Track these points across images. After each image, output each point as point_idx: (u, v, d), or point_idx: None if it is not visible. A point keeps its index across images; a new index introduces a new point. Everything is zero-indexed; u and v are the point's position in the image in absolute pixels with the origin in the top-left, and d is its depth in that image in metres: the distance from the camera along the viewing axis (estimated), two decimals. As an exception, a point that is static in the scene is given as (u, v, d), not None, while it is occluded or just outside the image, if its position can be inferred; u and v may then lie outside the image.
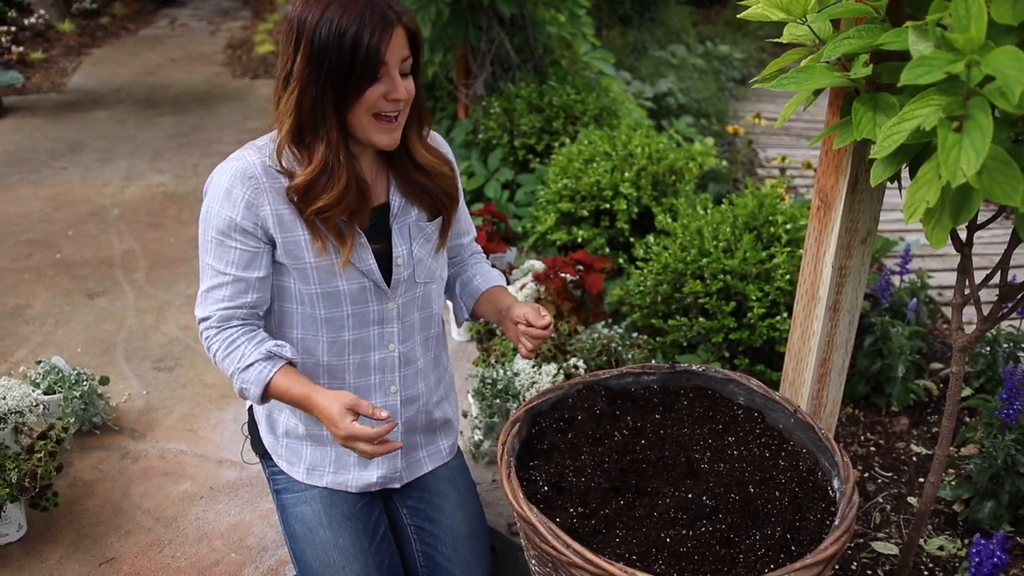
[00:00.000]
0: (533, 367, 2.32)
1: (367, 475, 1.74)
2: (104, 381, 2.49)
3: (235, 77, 6.98)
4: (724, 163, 3.99)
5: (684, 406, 1.75)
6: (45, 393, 2.36)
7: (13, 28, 7.91)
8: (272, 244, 1.53)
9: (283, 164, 1.50)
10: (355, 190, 1.51)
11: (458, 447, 1.92)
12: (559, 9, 3.98)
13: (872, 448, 2.36)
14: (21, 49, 7.45)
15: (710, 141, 4.26)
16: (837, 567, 1.99)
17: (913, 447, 2.37)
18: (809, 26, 1.44)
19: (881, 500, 2.18)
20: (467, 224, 1.88)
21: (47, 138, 5.32)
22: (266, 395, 1.52)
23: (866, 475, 2.26)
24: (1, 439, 2.14)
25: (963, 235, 1.55)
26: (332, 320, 1.59)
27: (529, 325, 1.66)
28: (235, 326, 1.54)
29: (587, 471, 1.53)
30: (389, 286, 1.62)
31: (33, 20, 8.27)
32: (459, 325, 1.91)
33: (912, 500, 2.18)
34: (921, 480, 2.24)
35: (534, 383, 2.27)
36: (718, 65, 6.61)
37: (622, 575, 1.24)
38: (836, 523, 1.37)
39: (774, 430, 1.68)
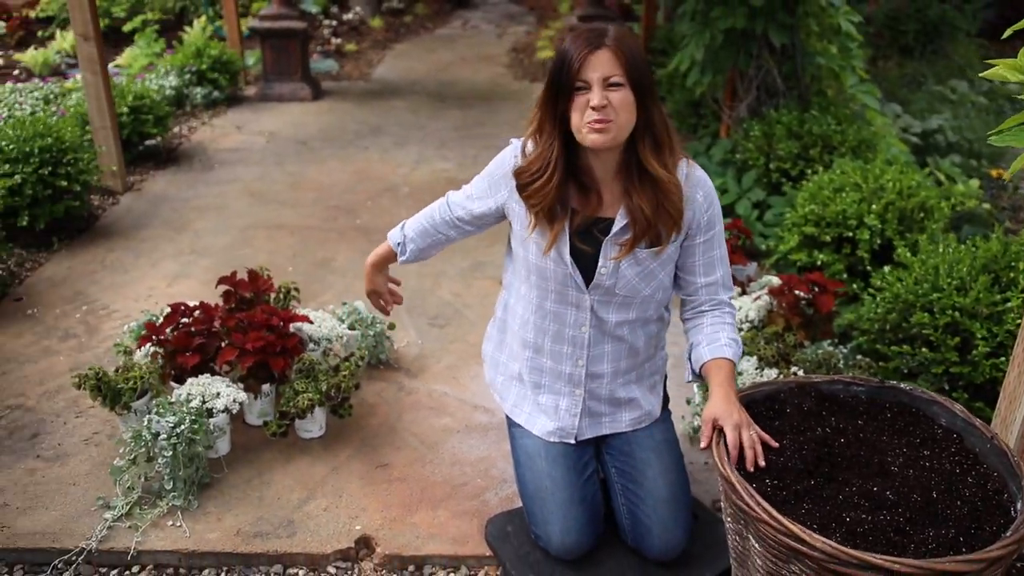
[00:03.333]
0: (756, 368, 2.56)
1: (550, 424, 2.12)
2: (391, 327, 3.03)
3: (516, 79, 7.60)
4: (985, 206, 3.95)
5: (887, 418, 1.93)
6: (348, 329, 2.92)
7: (334, 22, 9.06)
8: (502, 213, 2.05)
9: (525, 152, 1.95)
10: (561, 180, 1.88)
11: (668, 426, 2.20)
12: (831, 41, 4.11)
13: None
14: (339, 41, 8.54)
15: (975, 183, 4.21)
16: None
17: None
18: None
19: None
20: (706, 266, 2.00)
21: (354, 120, 6.16)
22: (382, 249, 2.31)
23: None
24: (313, 357, 2.71)
25: None
26: (540, 287, 2.01)
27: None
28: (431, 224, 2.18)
29: (786, 453, 1.77)
30: (588, 286, 1.96)
31: (350, 16, 9.41)
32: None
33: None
34: None
35: (770, 379, 2.50)
36: (1003, 104, 6.32)
37: (801, 534, 1.49)
38: (1008, 533, 1.53)
39: (969, 452, 1.83)
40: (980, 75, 1.76)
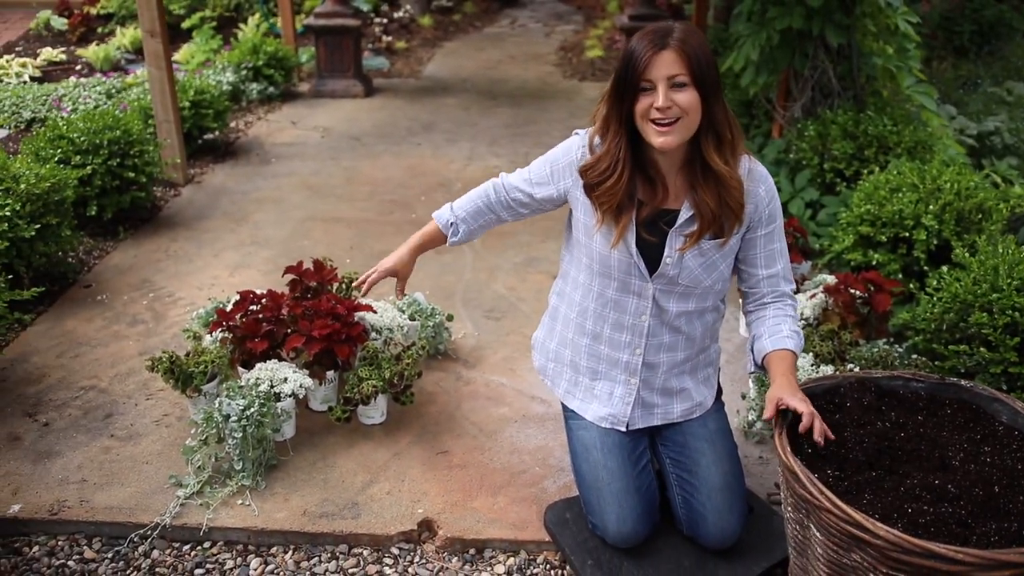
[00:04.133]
0: (812, 365, 2.58)
1: (602, 410, 2.17)
2: (450, 318, 3.10)
3: (565, 77, 7.64)
4: (1042, 209, 3.91)
5: (947, 414, 1.95)
6: (409, 319, 2.99)
7: (384, 20, 9.18)
8: (564, 200, 2.10)
9: (592, 148, 1.99)
10: (629, 177, 1.92)
11: (721, 416, 2.24)
12: (888, 41, 4.10)
13: None
14: (389, 39, 8.65)
15: (1033, 186, 4.17)
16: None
17: None
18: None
19: None
20: (767, 259, 2.05)
21: (406, 117, 6.25)
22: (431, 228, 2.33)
23: None
24: (376, 346, 2.78)
25: None
26: (603, 275, 2.05)
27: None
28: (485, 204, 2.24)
29: (848, 445, 1.80)
30: (652, 275, 2.01)
31: (400, 14, 9.52)
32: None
33: None
34: None
35: (829, 374, 2.53)
36: (1061, 107, 6.23)
37: (865, 522, 1.53)
38: (1071, 528, 1.55)
39: (1032, 450, 1.85)
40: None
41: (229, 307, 2.83)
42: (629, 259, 2.01)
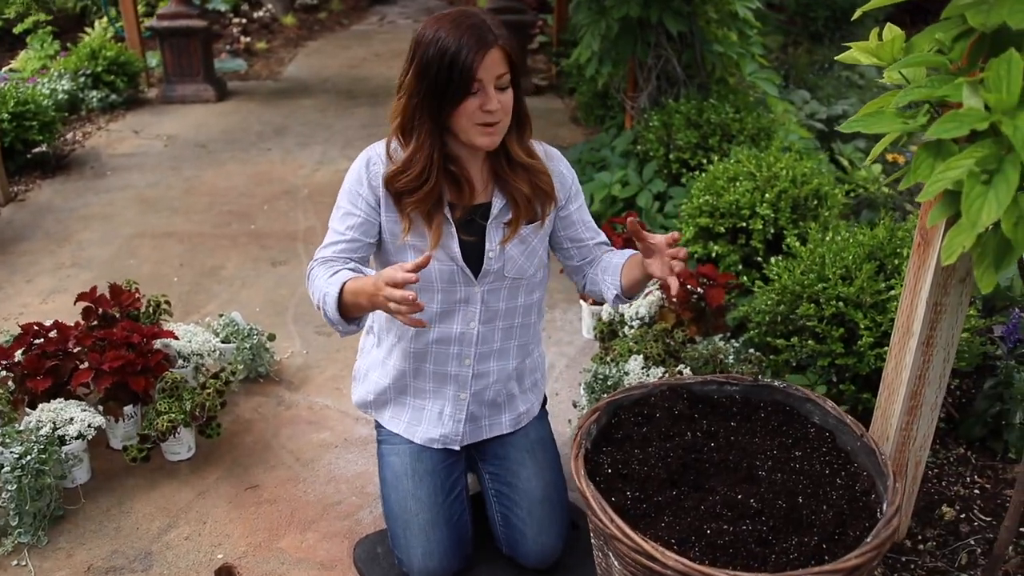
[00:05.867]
0: (642, 368, 2.47)
1: (433, 431, 2.00)
2: (271, 337, 2.88)
3: (430, 74, 7.44)
4: (885, 191, 3.94)
5: (760, 418, 1.86)
6: (223, 342, 2.76)
7: (244, 20, 8.80)
8: (379, 221, 1.84)
9: (390, 154, 1.81)
10: (440, 181, 1.77)
11: (543, 424, 2.14)
12: (730, 28, 4.06)
13: (976, 491, 2.35)
14: (248, 39, 8.29)
15: (877, 168, 4.20)
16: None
17: (1024, 495, 2.33)
18: (900, 72, 1.53)
19: (972, 543, 2.17)
20: (588, 228, 2.03)
21: (259, 121, 5.95)
22: (341, 295, 1.64)
23: (963, 516, 2.26)
24: (183, 375, 2.55)
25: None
26: (423, 291, 1.85)
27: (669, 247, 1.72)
28: (336, 263, 1.78)
29: (651, 461, 1.68)
30: (478, 276, 1.86)
31: (261, 13, 9.15)
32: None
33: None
34: (1022, 529, 2.21)
35: (641, 382, 2.42)
36: (910, 89, 6.37)
37: (653, 552, 1.40)
38: (869, 539, 1.46)
39: (841, 451, 1.77)
40: (836, 58, 1.69)
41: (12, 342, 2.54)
42: (451, 266, 1.86)
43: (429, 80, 1.68)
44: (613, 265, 1.94)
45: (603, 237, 2.07)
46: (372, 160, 1.84)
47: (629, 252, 1.95)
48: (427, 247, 1.82)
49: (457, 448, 2.04)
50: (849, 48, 1.62)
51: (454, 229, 1.84)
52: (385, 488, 2.02)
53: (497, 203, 1.87)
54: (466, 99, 1.68)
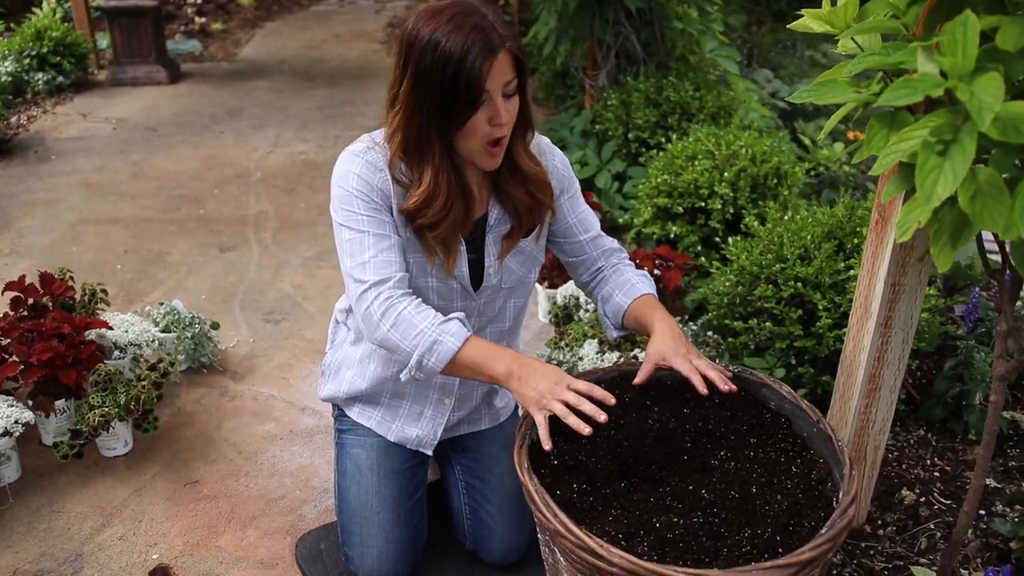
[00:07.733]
0: (597, 353, 2.40)
1: (409, 431, 1.89)
2: (215, 326, 2.76)
3: (390, 54, 7.29)
4: (847, 169, 3.90)
5: (715, 404, 1.79)
6: (162, 332, 2.65)
7: (199, 0, 8.58)
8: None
9: (396, 176, 1.60)
10: (461, 205, 1.61)
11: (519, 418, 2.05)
12: (690, 5, 3.98)
13: (936, 474, 2.31)
14: (204, 20, 8.07)
15: (839, 146, 4.16)
16: (870, 584, 1.98)
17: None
18: (853, 39, 1.46)
19: (932, 527, 2.13)
20: (581, 222, 1.85)
21: (212, 104, 5.79)
22: (462, 348, 1.53)
23: (922, 499, 2.22)
24: (120, 367, 2.44)
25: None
26: None
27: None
28: (413, 296, 1.60)
29: (599, 452, 1.61)
30: (477, 290, 1.75)
31: (217, -7, 8.92)
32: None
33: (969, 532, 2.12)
34: (981, 512, 2.17)
35: (594, 367, 2.35)
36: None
37: (598, 548, 1.33)
38: (823, 531, 1.39)
39: (797, 437, 1.70)
40: (788, 26, 1.62)
41: (-65, 334, 2.41)
42: (451, 281, 1.72)
43: (431, 95, 1.48)
44: (615, 304, 1.82)
45: (598, 231, 1.88)
46: (377, 166, 1.61)
47: (633, 289, 1.81)
48: (425, 259, 1.67)
49: (430, 452, 1.93)
50: (802, 16, 1.55)
51: (464, 247, 1.70)
52: (344, 480, 1.90)
53: (494, 213, 1.72)
54: (472, 114, 1.49)
